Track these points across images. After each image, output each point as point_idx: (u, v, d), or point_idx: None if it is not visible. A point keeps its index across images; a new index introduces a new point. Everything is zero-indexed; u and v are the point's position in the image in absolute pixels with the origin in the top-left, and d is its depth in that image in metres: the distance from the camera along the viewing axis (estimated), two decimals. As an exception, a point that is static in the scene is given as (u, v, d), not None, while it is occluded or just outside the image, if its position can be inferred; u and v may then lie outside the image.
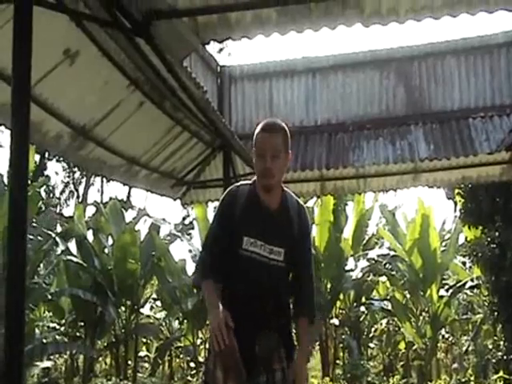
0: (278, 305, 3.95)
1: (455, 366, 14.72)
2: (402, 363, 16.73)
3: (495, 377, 10.55)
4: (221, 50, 26.32)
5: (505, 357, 13.31)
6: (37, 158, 21.61)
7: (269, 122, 3.93)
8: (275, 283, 3.92)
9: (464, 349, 16.53)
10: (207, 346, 3.81)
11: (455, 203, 17.22)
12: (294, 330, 4.05)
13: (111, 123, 7.09)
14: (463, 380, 8.24)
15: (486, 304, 15.07)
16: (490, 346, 15.49)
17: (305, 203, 15.76)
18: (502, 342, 13.78)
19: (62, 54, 5.58)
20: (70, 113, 6.49)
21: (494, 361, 14.22)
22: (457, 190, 14.77)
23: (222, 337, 3.57)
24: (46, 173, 26.53)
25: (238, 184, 4.02)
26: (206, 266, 3.94)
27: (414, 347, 16.03)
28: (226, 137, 8.14)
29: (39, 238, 13.12)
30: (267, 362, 3.83)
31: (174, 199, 10.39)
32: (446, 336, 17.29)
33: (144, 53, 5.54)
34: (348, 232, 16.65)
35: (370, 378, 14.64)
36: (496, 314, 13.95)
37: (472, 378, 8.41)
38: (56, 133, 6.63)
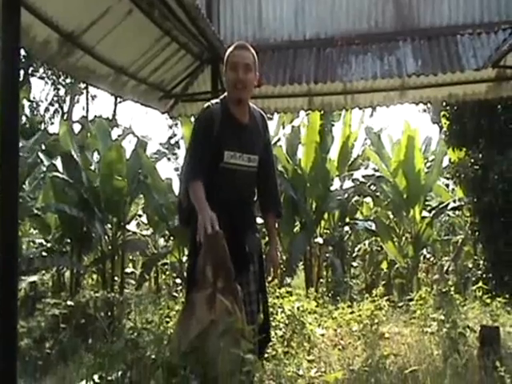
0: (253, 206, 4.58)
1: (436, 277, 15.06)
2: (383, 282, 17.03)
3: (475, 287, 10.89)
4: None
5: (484, 275, 13.65)
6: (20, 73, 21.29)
7: (240, 42, 4.51)
8: (253, 187, 4.54)
9: (445, 269, 16.86)
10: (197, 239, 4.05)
11: (440, 127, 17.33)
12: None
13: (99, 31, 7.04)
14: (444, 290, 8.50)
15: (468, 225, 15.33)
16: (470, 266, 15.86)
17: (291, 122, 15.80)
18: (481, 262, 14.11)
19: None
20: (58, 18, 6.42)
21: (473, 279, 14.58)
22: (442, 112, 14.85)
23: (210, 224, 3.86)
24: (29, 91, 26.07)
25: (209, 103, 4.42)
26: (192, 172, 4.22)
27: (396, 266, 16.31)
28: (215, 47, 8.11)
29: (25, 154, 13.08)
30: (253, 256, 4.33)
31: (162, 112, 10.39)
32: (428, 256, 17.60)
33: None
34: (334, 153, 16.73)
35: (352, 295, 14.95)
36: (477, 234, 14.24)
37: (452, 289, 8.68)
38: (44, 38, 6.58)
